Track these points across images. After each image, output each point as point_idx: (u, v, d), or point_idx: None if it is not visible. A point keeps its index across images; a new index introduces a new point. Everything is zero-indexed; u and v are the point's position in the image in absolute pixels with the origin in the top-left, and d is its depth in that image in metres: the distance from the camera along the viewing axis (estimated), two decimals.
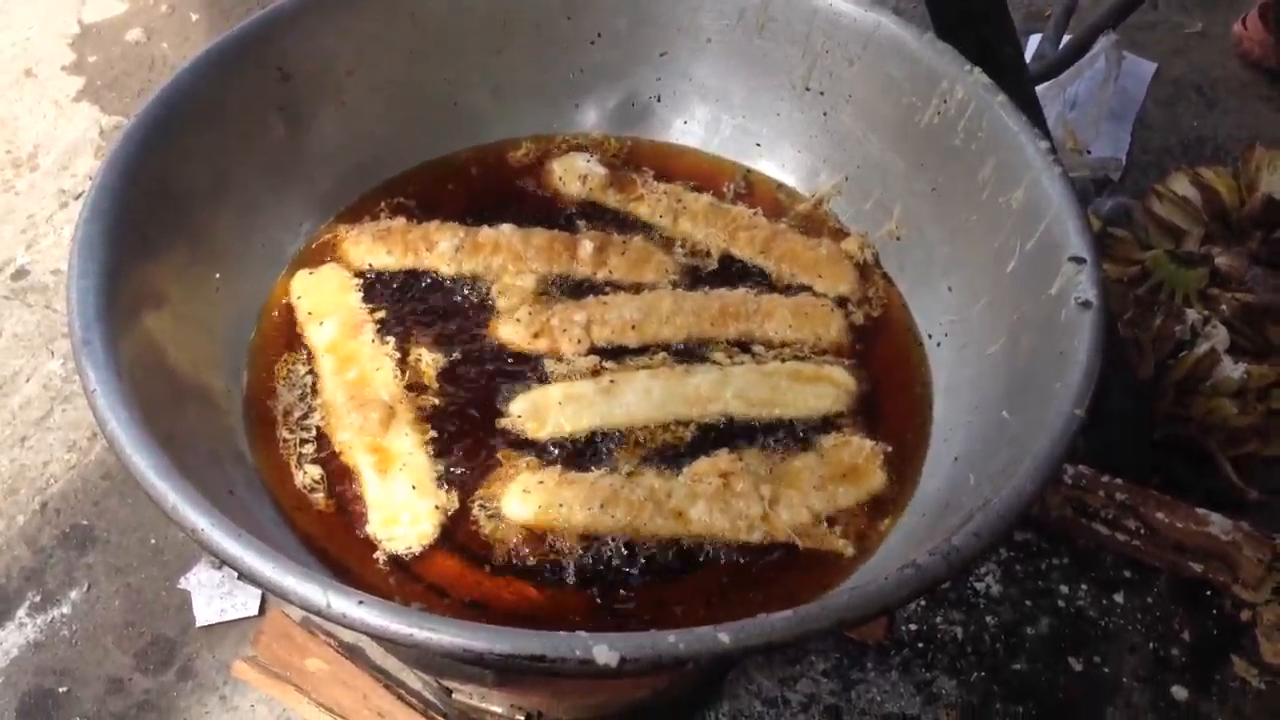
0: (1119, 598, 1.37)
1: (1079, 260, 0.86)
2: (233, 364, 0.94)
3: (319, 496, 0.86)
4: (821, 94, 1.11)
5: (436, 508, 0.85)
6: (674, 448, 0.94)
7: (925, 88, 1.02)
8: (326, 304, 0.98)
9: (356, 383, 0.92)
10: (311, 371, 0.95)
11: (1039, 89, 1.77)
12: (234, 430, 0.89)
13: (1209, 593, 1.36)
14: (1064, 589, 1.38)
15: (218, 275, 0.95)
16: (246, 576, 0.63)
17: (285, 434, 0.90)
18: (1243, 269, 1.54)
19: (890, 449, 0.94)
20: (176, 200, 0.92)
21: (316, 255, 1.04)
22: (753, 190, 1.15)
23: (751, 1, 1.10)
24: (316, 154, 1.06)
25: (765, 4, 1.10)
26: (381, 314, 1.00)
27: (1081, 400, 0.77)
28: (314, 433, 0.90)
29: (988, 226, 0.97)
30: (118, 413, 0.70)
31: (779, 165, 1.16)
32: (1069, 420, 0.76)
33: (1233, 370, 1.40)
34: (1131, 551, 1.36)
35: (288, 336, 0.98)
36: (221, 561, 0.65)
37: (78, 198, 1.89)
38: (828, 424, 0.96)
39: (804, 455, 0.94)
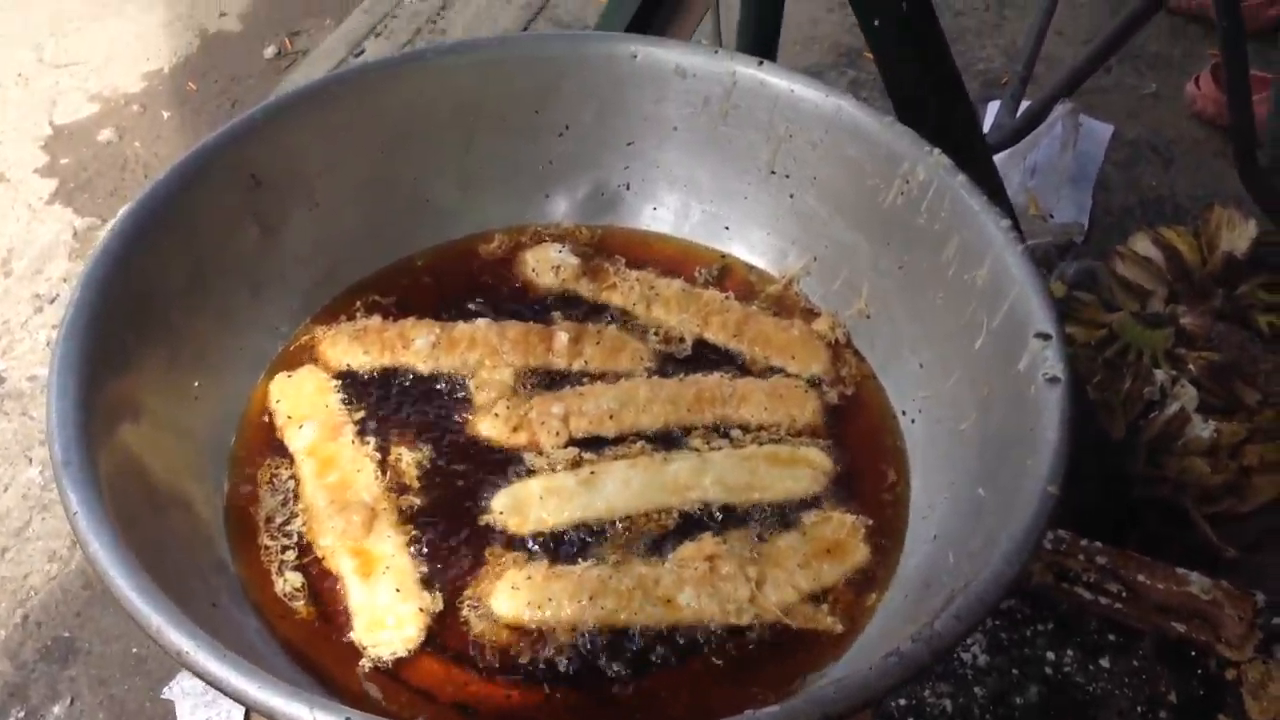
0: (1105, 662, 1.38)
1: (1044, 336, 0.88)
2: (213, 471, 0.95)
3: (300, 604, 0.86)
4: (787, 177, 1.13)
5: (421, 610, 0.85)
6: (658, 534, 0.94)
7: (887, 169, 1.04)
8: (305, 407, 0.99)
9: (337, 485, 0.93)
10: (293, 476, 0.95)
11: (1000, 157, 1.81)
12: (215, 539, 0.89)
13: (1193, 653, 1.37)
14: (1050, 655, 1.38)
15: (196, 383, 0.96)
16: (231, 695, 0.63)
17: (267, 540, 0.90)
18: (1207, 327, 1.57)
19: (871, 522, 0.95)
20: (154, 311, 0.92)
21: (294, 358, 1.05)
22: (724, 274, 1.17)
23: (715, 90, 1.12)
24: (291, 256, 1.07)
25: (728, 92, 1.12)
26: (361, 414, 1.00)
27: (1054, 477, 0.78)
28: (296, 538, 0.91)
29: (954, 304, 0.98)
30: (100, 534, 0.70)
31: (749, 248, 1.18)
32: (1043, 498, 0.77)
33: (1203, 429, 1.41)
34: (1114, 614, 1.37)
35: (268, 441, 0.98)
36: (206, 681, 0.65)
37: (53, 302, 1.89)
38: (808, 501, 0.97)
39: (787, 534, 0.95)
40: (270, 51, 2.43)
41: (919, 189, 1.02)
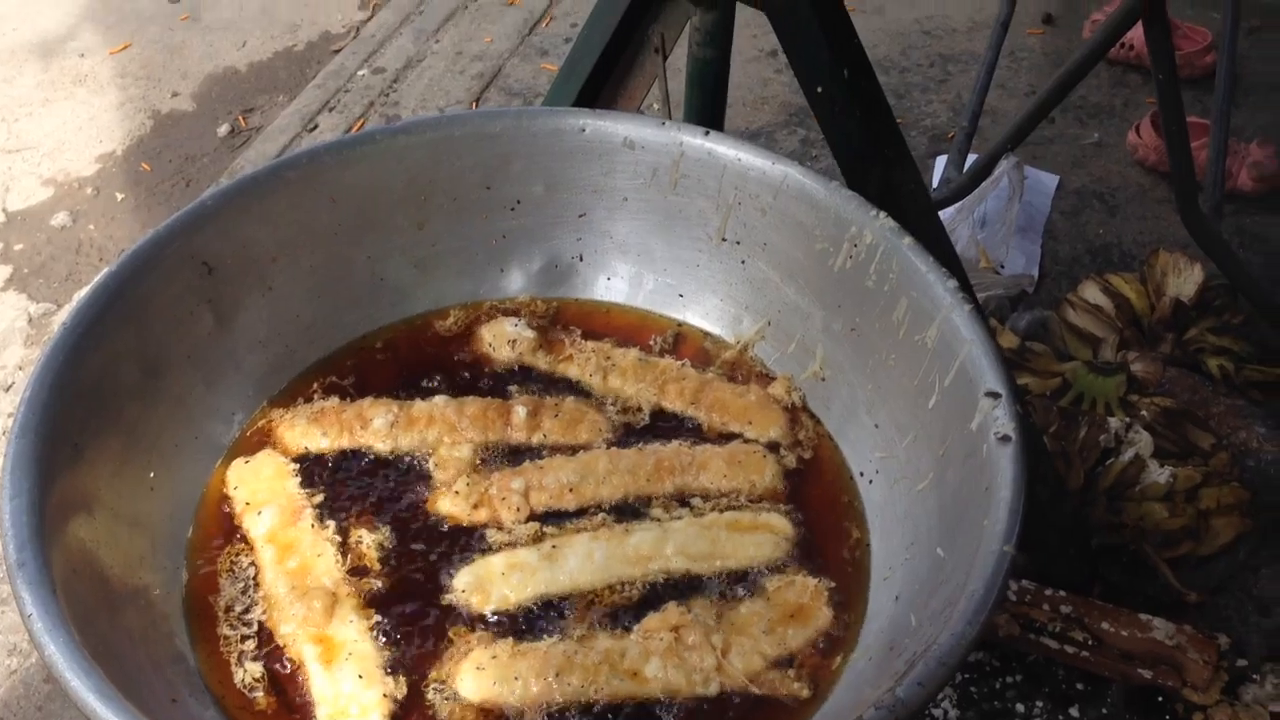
0: (1074, 711, 1.38)
1: (994, 395, 0.89)
2: (171, 562, 0.94)
3: (260, 695, 0.85)
4: (738, 244, 1.15)
5: (385, 696, 0.85)
6: (623, 606, 0.94)
7: (835, 233, 1.06)
8: (263, 492, 0.98)
9: (297, 571, 0.92)
10: (253, 563, 0.94)
11: (949, 211, 1.84)
12: (174, 631, 0.88)
13: (1161, 699, 1.38)
14: (1020, 708, 1.39)
15: (152, 474, 0.95)
16: None
17: (227, 630, 0.90)
18: (1158, 374, 1.59)
19: (834, 585, 0.95)
20: (108, 403, 0.92)
21: (252, 443, 1.04)
22: (680, 341, 1.17)
23: (663, 161, 1.14)
24: (246, 341, 1.07)
25: (676, 162, 1.14)
26: (320, 497, 1.00)
27: (1009, 536, 0.79)
28: (256, 627, 0.90)
29: (907, 364, 1.00)
30: (56, 636, 0.69)
31: (703, 315, 1.19)
32: (999, 558, 0.78)
33: (1159, 474, 1.43)
34: (1081, 663, 1.37)
35: (227, 529, 0.97)
36: None
37: (8, 389, 1.88)
38: (771, 566, 0.97)
39: (751, 600, 0.95)
40: (224, 130, 2.44)
41: (867, 252, 1.04)
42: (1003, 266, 1.97)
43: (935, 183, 2.16)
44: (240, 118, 2.47)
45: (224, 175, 2.30)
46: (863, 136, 1.24)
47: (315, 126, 2.41)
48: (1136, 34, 2.33)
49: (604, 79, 1.28)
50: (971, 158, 2.04)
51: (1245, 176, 2.14)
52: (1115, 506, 1.44)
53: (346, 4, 2.86)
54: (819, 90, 1.23)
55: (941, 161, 2.18)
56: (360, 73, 2.56)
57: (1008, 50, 2.58)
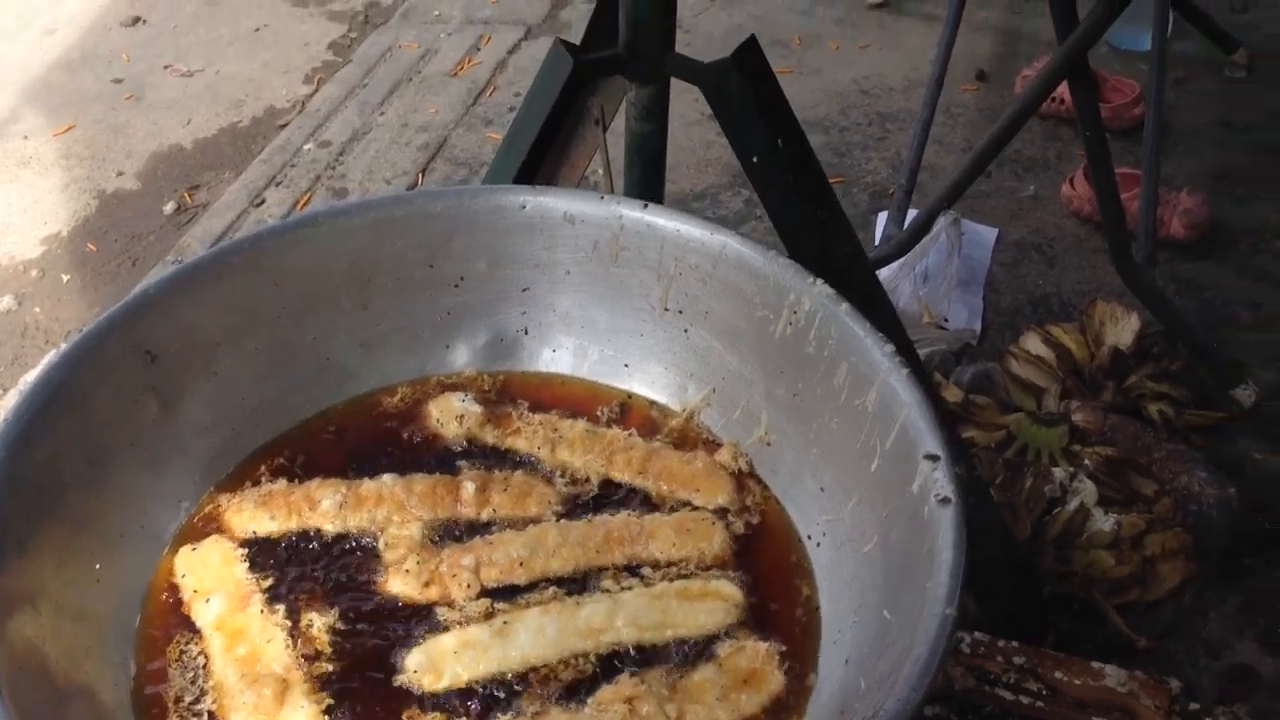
0: None
1: (933, 458, 0.91)
2: (118, 653, 0.93)
3: None
4: (680, 313, 1.16)
5: None
6: (576, 680, 0.94)
7: (775, 300, 1.08)
8: (211, 579, 0.98)
9: (247, 658, 0.92)
10: (203, 652, 0.94)
11: (891, 267, 1.87)
12: None
13: None
14: None
15: (98, 565, 0.95)
16: None
17: None
18: (1100, 422, 1.62)
19: (785, 649, 0.96)
20: (52, 496, 0.92)
21: (199, 529, 1.04)
22: (626, 411, 1.19)
23: (603, 234, 1.16)
24: (192, 428, 1.07)
25: (616, 235, 1.16)
26: (269, 582, 1.00)
27: (951, 599, 0.80)
28: (206, 718, 0.89)
29: (849, 428, 1.01)
30: None
31: (649, 384, 1.20)
32: (942, 621, 0.79)
33: (1104, 523, 1.46)
34: (1037, 714, 1.38)
35: (176, 618, 0.97)
36: None
37: None
38: (723, 632, 0.98)
39: (703, 667, 0.96)
40: (170, 207, 2.44)
41: (806, 318, 1.06)
42: (946, 320, 2.00)
43: (878, 239, 2.19)
44: (186, 195, 2.47)
45: (170, 253, 2.30)
46: (799, 203, 1.26)
47: (262, 202, 2.42)
48: (1066, 88, 2.39)
49: (544, 152, 1.30)
50: (912, 213, 2.08)
51: (1177, 224, 2.19)
52: (1063, 555, 1.46)
53: (291, 79, 2.88)
54: (754, 160, 1.25)
55: (883, 218, 2.22)
56: (306, 147, 2.58)
57: (943, 107, 2.63)
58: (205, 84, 2.85)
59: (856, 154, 2.55)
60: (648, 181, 1.35)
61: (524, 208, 1.16)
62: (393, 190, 2.46)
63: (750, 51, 1.23)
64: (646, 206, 1.14)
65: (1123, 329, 1.83)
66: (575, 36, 1.32)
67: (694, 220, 1.13)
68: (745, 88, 1.21)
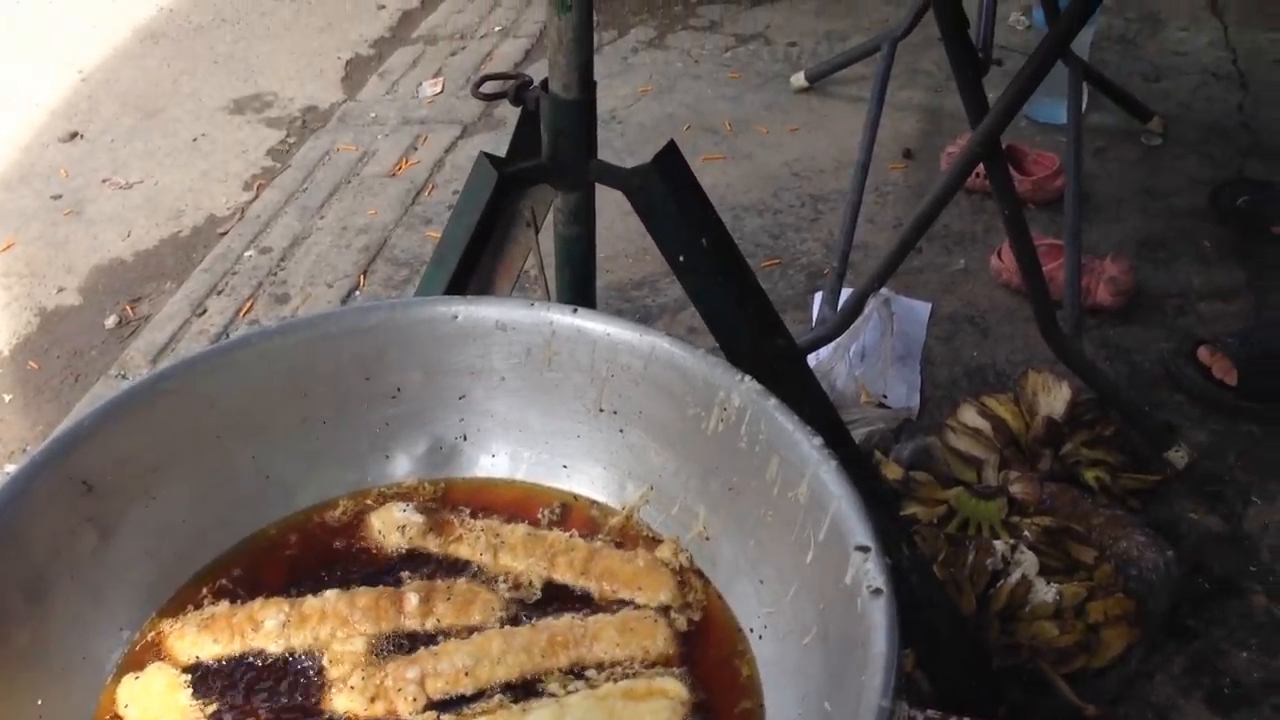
0: None
1: (864, 549, 0.93)
2: None
3: None
4: (615, 413, 1.19)
5: None
6: None
7: (705, 398, 1.10)
8: (155, 709, 0.98)
9: None
10: None
11: (827, 349, 1.91)
12: None
13: None
14: None
15: (40, 701, 0.94)
16: None
17: None
18: (1036, 493, 1.65)
19: None
20: None
21: (142, 657, 1.04)
22: (567, 512, 1.20)
23: (536, 340, 1.18)
24: (132, 555, 1.07)
25: (548, 341, 1.18)
26: (214, 708, 0.99)
27: (886, 690, 0.82)
28: None
29: (783, 521, 1.03)
30: None
31: (588, 483, 1.22)
32: (879, 713, 0.81)
33: (1046, 593, 1.48)
34: None
35: None
36: None
37: None
38: None
39: None
40: (112, 321, 2.44)
41: (736, 415, 1.08)
42: (885, 396, 2.04)
43: (815, 319, 2.23)
44: (128, 308, 2.48)
45: (114, 367, 2.30)
46: (727, 299, 1.30)
47: (204, 311, 2.42)
48: None
49: (475, 262, 1.32)
50: (846, 292, 2.12)
51: (1104, 292, 2.25)
52: (1009, 628, 1.48)
53: (231, 186, 2.90)
54: (681, 260, 1.29)
55: (820, 298, 2.27)
56: (247, 254, 2.59)
57: (873, 186, 2.70)
58: (145, 196, 2.87)
59: (791, 235, 2.61)
60: (579, 284, 1.38)
61: (456, 318, 1.19)
62: (336, 289, 2.48)
63: (670, 156, 1.26)
64: (576, 311, 1.17)
65: (1055, 398, 1.87)
66: (510, 133, 1.35)
67: (623, 323, 1.16)
68: (667, 193, 1.24)
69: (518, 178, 1.27)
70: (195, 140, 3.10)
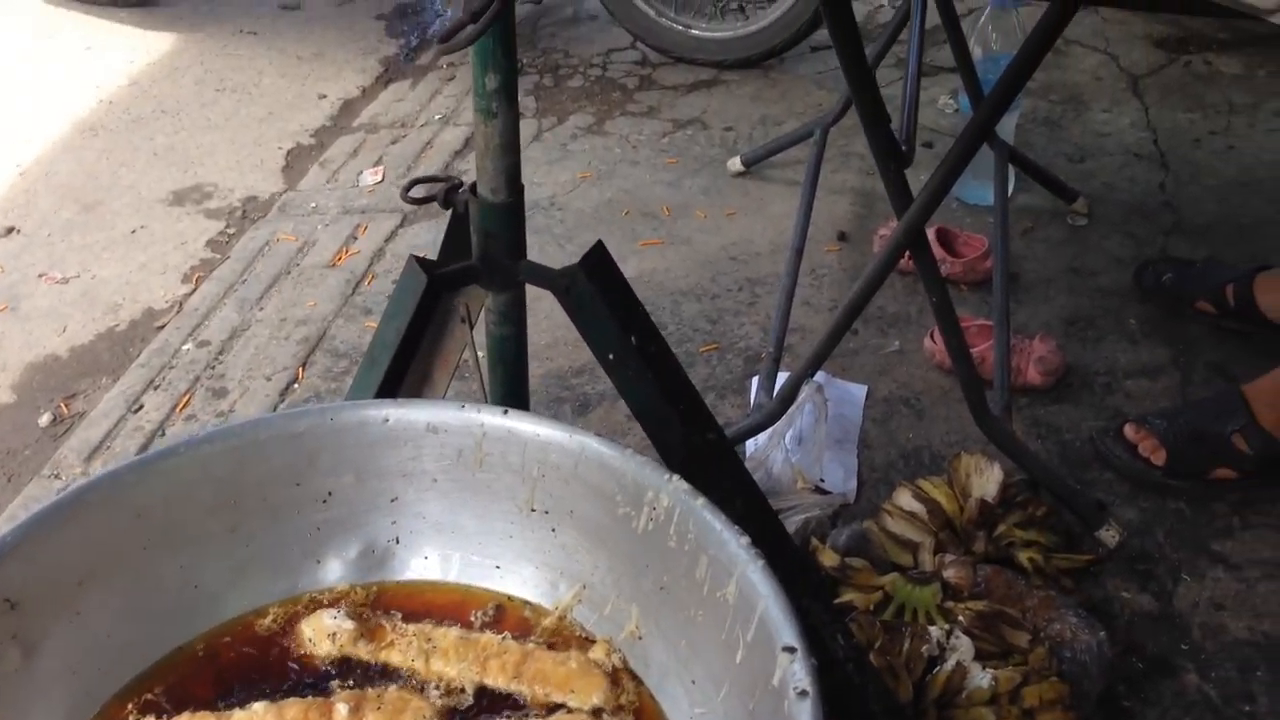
0: None
1: (790, 650, 0.94)
2: None
3: None
4: (547, 513, 1.19)
5: None
6: None
7: (635, 497, 1.11)
8: None
9: None
10: None
11: (763, 436, 1.93)
12: None
13: None
14: None
15: None
16: None
17: None
18: (970, 578, 1.67)
19: None
20: None
21: None
22: (500, 613, 1.20)
23: (466, 441, 1.19)
24: (56, 671, 1.05)
25: (479, 442, 1.19)
26: None
27: None
28: None
29: (714, 620, 1.04)
30: None
31: (521, 584, 1.22)
32: None
33: (981, 679, 1.49)
34: None
35: None
36: None
37: None
38: None
39: None
40: (45, 419, 2.41)
41: (665, 514, 1.09)
42: (823, 480, 2.06)
43: (751, 404, 2.26)
44: (63, 405, 2.45)
45: (47, 466, 2.27)
46: (658, 396, 1.31)
47: (140, 407, 2.40)
48: None
49: (408, 361, 1.33)
50: (783, 376, 2.15)
51: (1033, 371, 2.30)
52: (946, 715, 1.49)
53: (169, 279, 2.90)
54: (610, 357, 1.31)
55: (756, 383, 2.29)
56: (185, 347, 2.58)
57: (809, 269, 2.75)
58: (81, 290, 2.85)
59: (729, 320, 2.64)
60: (511, 382, 1.39)
61: (387, 421, 1.19)
62: (275, 382, 2.47)
63: (598, 256, 1.29)
64: (506, 413, 1.18)
65: (987, 480, 1.89)
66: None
67: (553, 424, 1.17)
68: (595, 293, 1.26)
69: (447, 280, 1.29)
70: (134, 232, 3.10)
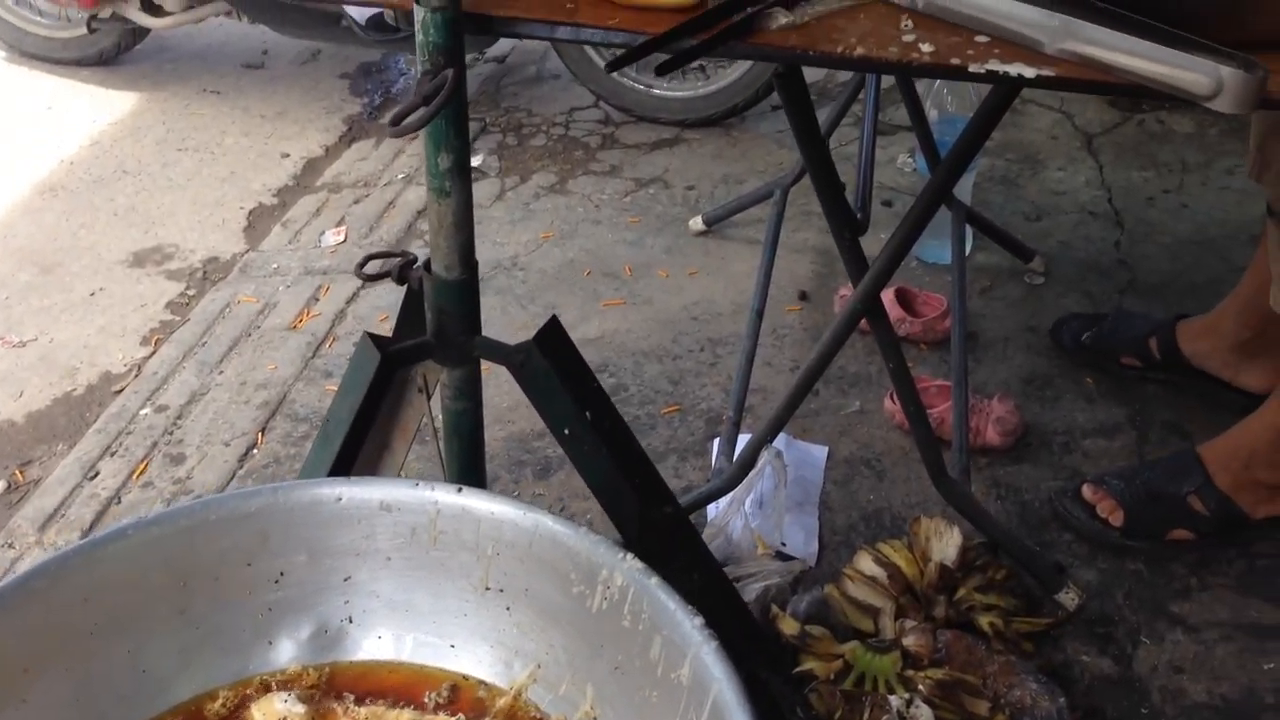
0: None
1: None
2: None
3: None
4: (501, 591, 1.19)
5: None
6: None
7: (589, 576, 1.11)
8: None
9: None
10: None
11: (722, 502, 1.93)
12: None
13: None
14: None
15: None
16: None
17: None
18: (930, 645, 1.67)
19: None
20: None
21: None
22: (455, 693, 1.19)
23: (420, 519, 1.18)
24: None
25: (433, 520, 1.18)
26: None
27: None
28: None
29: (668, 701, 1.04)
30: None
31: (475, 663, 1.21)
32: None
33: None
34: None
35: None
36: None
37: None
38: None
39: None
40: (0, 486, 2.38)
41: (619, 593, 1.09)
42: (784, 544, 2.06)
43: (710, 475, 2.25)
44: (18, 472, 2.42)
45: (0, 536, 2.23)
46: (613, 470, 1.31)
47: (96, 474, 2.38)
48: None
49: (361, 437, 1.32)
50: (745, 438, 2.15)
51: (992, 432, 2.32)
52: None
53: (128, 342, 2.88)
54: (566, 432, 1.31)
55: (718, 445, 2.29)
56: (143, 412, 2.56)
57: (770, 329, 2.77)
58: (39, 354, 2.83)
59: (690, 381, 2.64)
60: (467, 457, 1.39)
61: (340, 500, 1.19)
62: (234, 448, 2.45)
63: (552, 332, 1.29)
64: (461, 490, 1.18)
65: (947, 543, 1.90)
66: None
67: (508, 501, 1.17)
68: (550, 369, 1.27)
69: (401, 357, 1.29)
70: (93, 295, 3.08)
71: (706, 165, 3.68)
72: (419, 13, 1.09)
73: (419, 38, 1.10)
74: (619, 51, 1.15)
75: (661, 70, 1.09)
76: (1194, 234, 3.20)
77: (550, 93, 4.18)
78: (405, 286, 1.36)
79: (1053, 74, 1.10)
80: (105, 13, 4.06)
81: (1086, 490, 2.15)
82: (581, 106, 4.06)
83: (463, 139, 1.16)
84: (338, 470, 1.30)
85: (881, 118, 3.43)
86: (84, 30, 4.18)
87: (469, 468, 1.39)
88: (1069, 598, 1.95)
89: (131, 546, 1.13)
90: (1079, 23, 1.07)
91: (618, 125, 3.93)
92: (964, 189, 2.98)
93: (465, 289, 1.27)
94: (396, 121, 1.05)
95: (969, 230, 2.96)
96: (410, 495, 1.19)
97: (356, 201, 3.53)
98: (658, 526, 1.32)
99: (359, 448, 1.32)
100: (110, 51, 4.32)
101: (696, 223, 3.26)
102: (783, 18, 1.14)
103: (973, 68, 1.11)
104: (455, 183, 1.19)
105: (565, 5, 1.20)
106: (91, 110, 4.11)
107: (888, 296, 2.66)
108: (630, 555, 1.10)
